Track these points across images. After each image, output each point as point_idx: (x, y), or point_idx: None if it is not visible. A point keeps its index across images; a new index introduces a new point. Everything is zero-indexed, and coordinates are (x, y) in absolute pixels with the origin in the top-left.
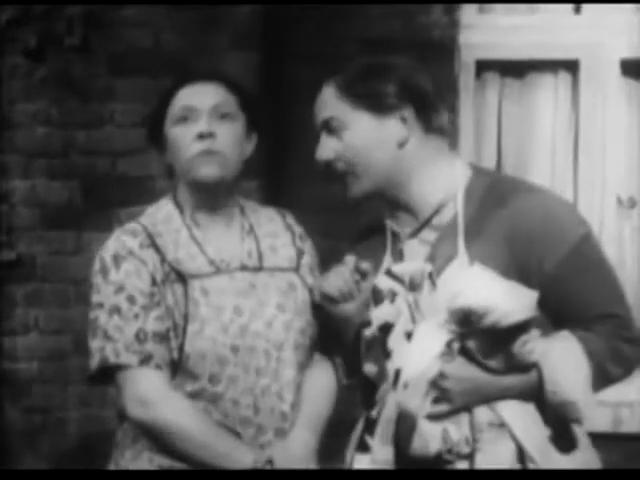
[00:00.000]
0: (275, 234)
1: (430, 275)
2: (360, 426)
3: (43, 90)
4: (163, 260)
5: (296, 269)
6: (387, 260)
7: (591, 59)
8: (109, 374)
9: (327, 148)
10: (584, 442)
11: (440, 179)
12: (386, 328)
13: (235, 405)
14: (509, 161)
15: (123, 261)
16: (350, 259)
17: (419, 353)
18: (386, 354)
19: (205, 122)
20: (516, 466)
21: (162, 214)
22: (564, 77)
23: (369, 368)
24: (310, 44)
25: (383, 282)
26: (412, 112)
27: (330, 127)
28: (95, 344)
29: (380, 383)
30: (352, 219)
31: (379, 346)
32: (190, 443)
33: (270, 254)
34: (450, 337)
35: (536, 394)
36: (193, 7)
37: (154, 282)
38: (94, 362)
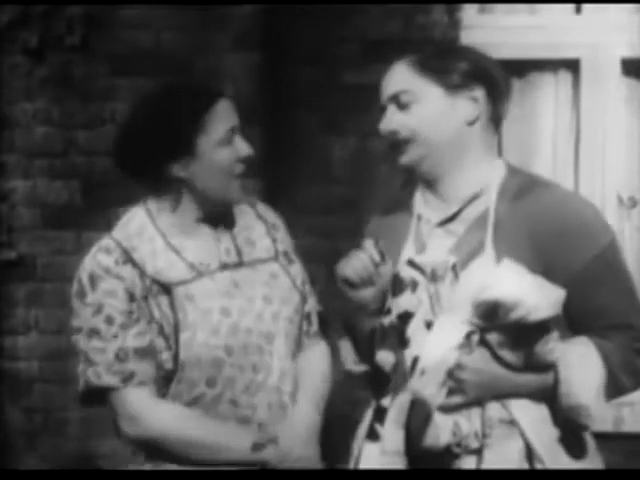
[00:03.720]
0: (249, 227)
1: (453, 267)
2: (369, 415)
3: (43, 90)
4: (142, 274)
5: (275, 258)
6: (409, 244)
7: (592, 59)
8: (98, 397)
9: (393, 120)
10: (591, 446)
11: (479, 171)
12: (405, 317)
13: (234, 405)
14: (510, 160)
15: (100, 281)
16: (369, 243)
17: (438, 342)
18: (403, 343)
19: (244, 143)
20: (524, 464)
21: (134, 225)
22: (565, 77)
23: (383, 356)
24: (310, 44)
25: (405, 271)
26: (483, 94)
27: (399, 100)
28: (79, 368)
29: (393, 372)
30: (352, 220)
31: (395, 335)
32: (189, 445)
33: (248, 248)
34: (470, 329)
35: (549, 394)
36: (194, 7)
37: (132, 298)
38: (79, 386)
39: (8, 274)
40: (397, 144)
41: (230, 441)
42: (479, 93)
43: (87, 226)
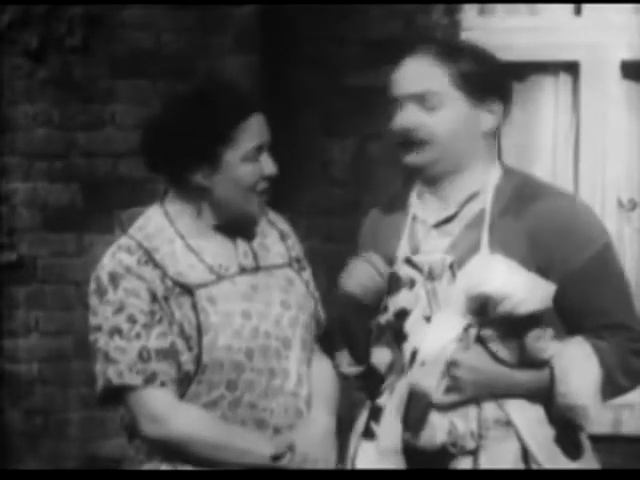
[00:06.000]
0: (262, 233)
1: (451, 266)
2: (365, 414)
3: (44, 91)
4: (164, 276)
5: (289, 264)
6: (403, 244)
7: (592, 61)
8: (117, 396)
9: (412, 119)
10: (587, 446)
11: (478, 173)
12: (402, 314)
13: (252, 409)
14: (510, 163)
15: (121, 280)
16: (373, 257)
17: (437, 334)
18: (402, 338)
19: (270, 161)
20: (520, 466)
21: (152, 226)
22: (565, 79)
23: (378, 354)
24: (311, 45)
25: (402, 270)
26: (500, 105)
27: (425, 100)
28: (98, 367)
29: (387, 371)
30: (352, 222)
31: (391, 333)
32: (209, 448)
33: (263, 253)
34: (468, 322)
35: (546, 394)
36: (194, 8)
37: (154, 299)
38: (98, 385)
39: (8, 276)
40: (410, 143)
41: (251, 447)
42: (497, 106)
43: (87, 228)
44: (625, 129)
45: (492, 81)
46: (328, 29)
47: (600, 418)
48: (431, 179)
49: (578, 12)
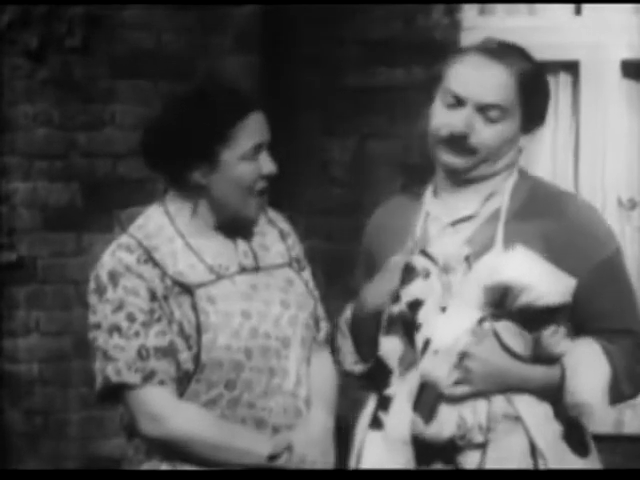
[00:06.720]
0: (262, 232)
1: (467, 258)
2: (371, 406)
3: (44, 91)
4: (164, 275)
5: (289, 264)
6: (415, 237)
7: (591, 60)
8: (116, 394)
9: (471, 125)
10: (592, 445)
11: (501, 178)
12: (415, 305)
13: (251, 408)
14: None
15: (120, 278)
16: (398, 260)
17: (451, 325)
18: (414, 328)
19: (269, 160)
20: (527, 460)
21: (152, 225)
22: (565, 79)
23: (388, 344)
24: (311, 46)
25: (417, 261)
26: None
27: (490, 111)
28: (97, 365)
29: (396, 363)
30: (351, 221)
31: (403, 324)
32: (208, 447)
33: (263, 253)
34: (482, 315)
35: (555, 391)
36: (194, 8)
37: (153, 297)
38: (97, 383)
39: (8, 276)
40: (457, 146)
41: (249, 446)
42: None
43: (87, 228)
44: (625, 128)
45: (543, 110)
46: (328, 29)
47: (603, 418)
48: (459, 182)
49: (578, 12)
